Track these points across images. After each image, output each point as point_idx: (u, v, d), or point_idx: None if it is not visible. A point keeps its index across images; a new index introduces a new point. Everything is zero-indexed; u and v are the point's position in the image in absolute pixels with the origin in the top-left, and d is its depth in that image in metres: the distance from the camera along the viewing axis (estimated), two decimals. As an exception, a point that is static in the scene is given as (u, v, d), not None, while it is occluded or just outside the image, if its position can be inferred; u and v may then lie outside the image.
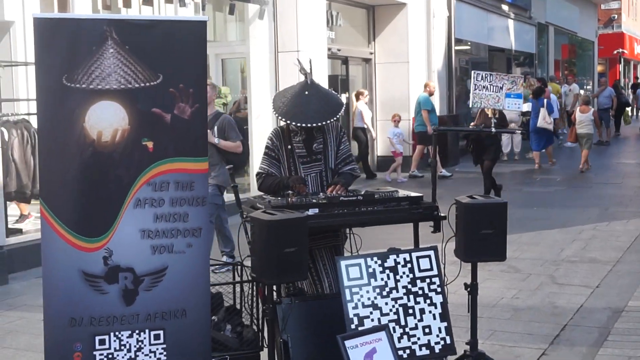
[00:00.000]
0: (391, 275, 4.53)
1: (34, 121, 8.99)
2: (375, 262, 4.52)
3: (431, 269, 4.63)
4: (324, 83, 12.26)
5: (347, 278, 4.43)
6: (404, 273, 4.57)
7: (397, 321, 4.47)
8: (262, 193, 5.04)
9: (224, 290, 4.98)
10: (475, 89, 6.16)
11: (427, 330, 4.53)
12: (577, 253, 8.80)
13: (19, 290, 7.75)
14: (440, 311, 4.58)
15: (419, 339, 4.50)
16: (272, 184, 4.94)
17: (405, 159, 15.82)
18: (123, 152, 4.05)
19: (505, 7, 23.26)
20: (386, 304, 4.48)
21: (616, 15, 41.55)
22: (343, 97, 14.84)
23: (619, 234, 9.82)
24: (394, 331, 4.39)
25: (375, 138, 16.28)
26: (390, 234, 6.81)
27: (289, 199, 4.62)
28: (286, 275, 4.24)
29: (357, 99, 15.91)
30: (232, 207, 8.46)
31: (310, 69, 5.03)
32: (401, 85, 16.95)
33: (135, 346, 4.15)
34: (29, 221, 9.60)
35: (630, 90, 36.69)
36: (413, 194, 4.94)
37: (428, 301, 4.57)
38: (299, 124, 4.82)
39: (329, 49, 14.73)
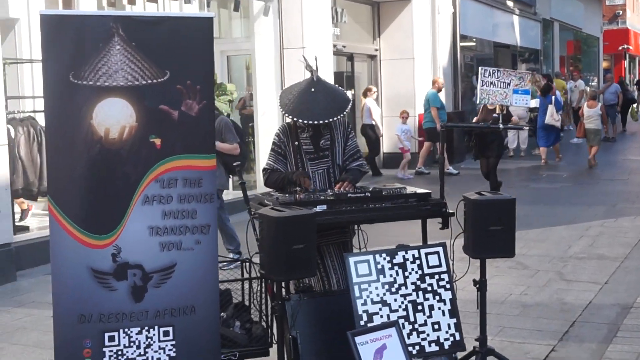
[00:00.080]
0: (400, 271, 4.52)
1: (40, 118, 9.00)
2: (384, 259, 4.51)
3: (440, 266, 4.62)
4: (329, 80, 12.25)
5: (355, 274, 4.42)
6: (412, 269, 4.55)
7: (406, 317, 4.46)
8: (268, 189, 5.04)
9: (233, 287, 4.96)
10: (482, 85, 6.12)
11: (436, 326, 4.52)
12: (584, 249, 8.78)
13: (27, 288, 7.76)
14: (449, 307, 4.56)
15: (428, 335, 4.49)
16: (277, 179, 4.95)
17: (411, 156, 15.79)
18: (131, 149, 4.05)
19: (510, 3, 23.22)
20: (395, 300, 4.47)
21: (621, 11, 41.44)
22: (349, 94, 14.81)
23: (627, 230, 9.79)
24: (403, 327, 4.38)
25: (381, 135, 16.24)
26: (398, 230, 6.80)
27: (297, 195, 4.61)
28: (295, 271, 4.23)
29: (365, 95, 15.89)
30: (240, 204, 8.47)
31: (316, 65, 5.02)
32: (406, 81, 16.93)
33: (144, 343, 4.15)
34: (31, 213, 9.63)
35: (635, 86, 36.61)
36: (421, 191, 4.92)
37: (437, 297, 4.56)
38: (306, 121, 4.81)
39: (334, 46, 14.71)
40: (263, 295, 4.79)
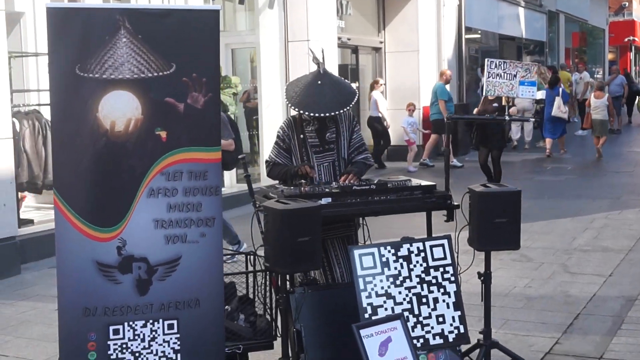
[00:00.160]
0: (405, 264, 4.52)
1: (45, 112, 9.01)
2: (389, 251, 4.51)
3: (445, 258, 4.62)
4: (334, 72, 12.23)
5: (360, 267, 4.42)
6: (417, 262, 4.55)
7: (411, 310, 4.46)
8: (273, 182, 5.04)
9: (237, 280, 4.97)
10: (488, 77, 6.09)
11: (440, 319, 4.52)
12: (589, 242, 8.77)
13: (32, 281, 7.78)
14: (453, 300, 4.56)
15: (432, 328, 4.49)
16: (280, 173, 4.98)
17: (417, 148, 15.78)
18: (136, 142, 4.05)
19: (515, -5, 23.18)
20: (400, 293, 4.47)
21: (627, 3, 41.25)
22: (354, 86, 14.78)
23: (631, 222, 9.77)
24: (408, 320, 4.38)
25: (389, 126, 16.14)
26: (403, 223, 6.80)
27: (302, 188, 4.61)
28: (300, 264, 4.23)
29: (372, 88, 15.88)
30: (244, 197, 8.46)
31: (323, 58, 5.01)
32: (411, 74, 16.89)
33: (149, 336, 4.16)
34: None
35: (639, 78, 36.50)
36: (426, 183, 4.92)
37: (442, 290, 4.56)
38: (312, 114, 4.81)
39: (339, 38, 14.69)
40: (267, 288, 4.79)
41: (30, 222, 9.00)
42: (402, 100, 16.19)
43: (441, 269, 4.59)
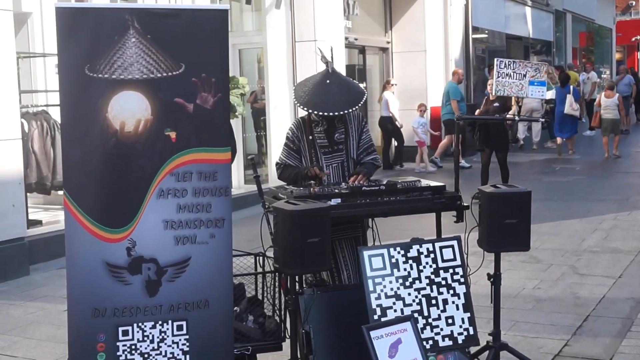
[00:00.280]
0: (414, 265, 4.50)
1: (53, 113, 9.02)
2: (398, 253, 4.49)
3: (454, 259, 4.60)
4: (342, 73, 12.20)
5: (369, 268, 4.40)
6: (427, 263, 4.54)
7: (420, 312, 4.44)
8: (282, 183, 5.04)
9: (246, 281, 4.96)
10: (498, 77, 6.09)
11: (450, 321, 4.50)
12: (598, 243, 8.73)
13: (40, 282, 7.78)
14: (463, 302, 4.54)
15: (442, 329, 4.48)
16: (291, 175, 4.97)
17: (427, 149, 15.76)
18: (146, 143, 4.04)
19: (522, -5, 23.13)
20: (409, 294, 4.45)
21: (634, 2, 41.12)
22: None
23: (641, 223, 9.76)
24: (417, 322, 4.36)
25: (401, 126, 16.05)
26: (413, 224, 6.78)
27: (312, 189, 4.60)
28: (309, 265, 4.22)
29: (384, 88, 15.87)
30: (253, 198, 8.45)
31: (332, 57, 5.00)
32: (418, 74, 16.87)
33: (158, 337, 4.15)
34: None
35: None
36: (435, 184, 4.90)
37: (451, 292, 4.54)
38: (320, 113, 4.79)
39: (346, 39, 14.67)
40: (276, 289, 4.77)
41: (38, 222, 9.01)
42: (409, 101, 16.16)
43: (451, 270, 4.57)
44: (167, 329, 4.16)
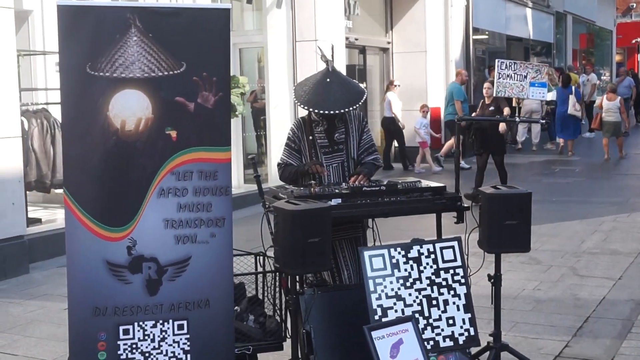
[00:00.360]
0: (415, 266, 4.50)
1: (53, 111, 9.02)
2: (399, 253, 4.49)
3: (455, 260, 4.60)
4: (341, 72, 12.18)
5: (370, 269, 4.40)
6: (427, 264, 4.54)
7: (421, 312, 4.44)
8: (282, 183, 5.03)
9: (246, 281, 4.95)
10: (499, 78, 6.08)
11: (450, 321, 4.50)
12: (598, 245, 8.73)
13: (40, 280, 7.78)
14: (464, 302, 4.55)
15: (442, 330, 4.48)
16: (291, 173, 4.96)
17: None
18: (147, 142, 4.03)
19: (523, -4, 23.13)
20: (410, 294, 4.45)
21: (635, 4, 41.13)
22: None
23: (640, 225, 9.75)
24: (418, 322, 4.36)
25: (403, 127, 16.01)
26: (413, 224, 6.78)
27: (312, 189, 4.60)
28: (310, 265, 4.22)
29: (388, 89, 15.87)
30: (253, 197, 8.44)
31: (332, 55, 4.99)
32: (419, 74, 16.86)
33: (159, 336, 4.14)
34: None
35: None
36: (436, 184, 4.90)
37: (452, 292, 4.54)
38: (321, 111, 4.79)
39: (347, 39, 14.67)
40: (277, 289, 4.77)
41: (38, 221, 9.01)
42: (409, 101, 16.15)
43: (451, 271, 4.57)
44: (168, 328, 4.16)
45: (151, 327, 4.12)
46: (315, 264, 4.24)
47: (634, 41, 39.59)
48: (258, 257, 4.95)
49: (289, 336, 4.62)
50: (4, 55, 7.80)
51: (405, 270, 4.47)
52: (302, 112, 5.07)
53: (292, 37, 13.07)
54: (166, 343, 4.15)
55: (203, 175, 4.14)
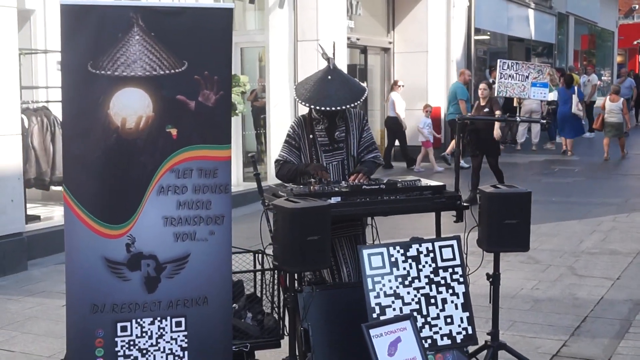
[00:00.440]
0: (413, 264, 4.51)
1: (53, 109, 9.03)
2: (398, 252, 4.50)
3: (454, 259, 4.61)
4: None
5: (369, 267, 4.42)
6: (426, 262, 4.55)
7: (419, 311, 4.45)
8: (279, 181, 5.03)
9: (245, 278, 4.96)
10: (500, 78, 6.08)
11: (449, 320, 4.51)
12: (596, 244, 8.74)
13: (39, 277, 7.79)
14: (462, 301, 4.56)
15: (440, 328, 4.49)
16: (290, 171, 4.94)
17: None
18: (147, 139, 4.04)
19: (525, -3, 23.14)
20: (408, 293, 4.46)
21: (637, 6, 41.12)
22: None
23: (639, 225, 9.74)
24: (416, 321, 4.36)
25: (405, 128, 16.00)
26: (412, 223, 6.79)
27: (311, 187, 4.61)
28: (309, 263, 4.23)
29: (392, 89, 15.88)
30: (252, 195, 8.43)
31: (334, 53, 5.00)
32: (420, 75, 16.87)
33: (156, 333, 4.14)
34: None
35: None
36: (435, 183, 4.91)
37: (450, 291, 4.55)
38: (322, 108, 4.79)
39: (348, 38, 14.68)
40: (275, 286, 4.78)
41: (36, 218, 9.02)
42: (410, 101, 16.16)
43: (450, 270, 4.58)
44: (166, 325, 4.16)
45: (149, 324, 4.12)
46: (315, 262, 4.24)
47: (635, 42, 39.58)
48: (257, 255, 4.96)
49: (286, 334, 4.62)
50: (6, 53, 7.81)
51: (404, 268, 4.49)
52: (303, 111, 5.06)
53: (294, 37, 13.07)
54: (164, 340, 4.15)
55: (203, 173, 4.14)
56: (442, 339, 4.47)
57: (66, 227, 4.06)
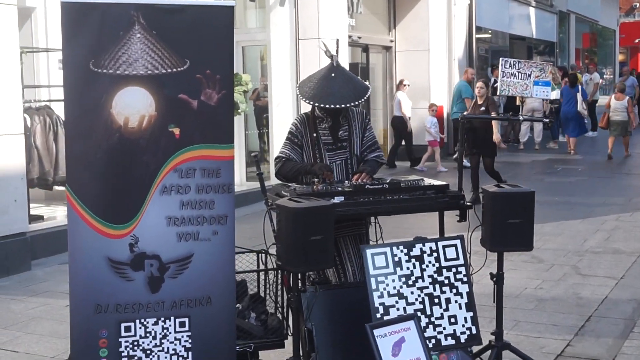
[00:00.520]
0: (417, 264, 4.50)
1: (56, 108, 9.02)
2: (401, 251, 4.49)
3: (457, 259, 4.59)
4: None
5: (372, 267, 4.40)
6: (430, 262, 4.53)
7: (423, 310, 4.43)
8: (279, 179, 5.00)
9: (248, 278, 4.95)
10: (502, 76, 6.06)
11: (452, 320, 4.49)
12: (600, 244, 8.72)
13: (42, 277, 7.78)
14: (466, 301, 4.54)
15: (444, 328, 4.47)
16: (293, 169, 4.90)
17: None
18: (150, 139, 4.02)
19: (526, -5, 23.12)
20: (412, 293, 4.44)
21: (638, 4, 41.09)
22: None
23: (643, 224, 9.74)
24: (420, 320, 4.35)
25: (409, 129, 15.97)
26: (416, 222, 6.77)
27: (315, 186, 4.59)
28: (312, 263, 4.21)
29: (398, 88, 15.87)
30: (254, 195, 8.41)
31: (337, 51, 4.98)
32: (422, 73, 16.85)
33: (160, 333, 4.13)
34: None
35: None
36: (439, 183, 4.89)
37: (454, 291, 4.53)
38: (326, 106, 4.77)
39: (350, 37, 14.66)
40: (279, 286, 4.77)
41: (40, 218, 9.01)
42: (413, 100, 16.11)
43: (454, 270, 4.57)
44: (170, 325, 4.15)
45: (153, 325, 4.11)
46: (318, 262, 4.23)
47: (636, 40, 39.57)
48: (260, 255, 4.95)
49: (290, 334, 4.61)
50: (7, 52, 7.80)
51: (408, 268, 4.47)
52: (305, 110, 5.04)
53: (295, 35, 13.06)
54: (168, 340, 4.14)
55: (206, 172, 4.13)
56: (446, 339, 4.46)
57: (69, 227, 4.05)
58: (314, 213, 4.11)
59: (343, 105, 4.76)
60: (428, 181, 4.91)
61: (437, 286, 4.50)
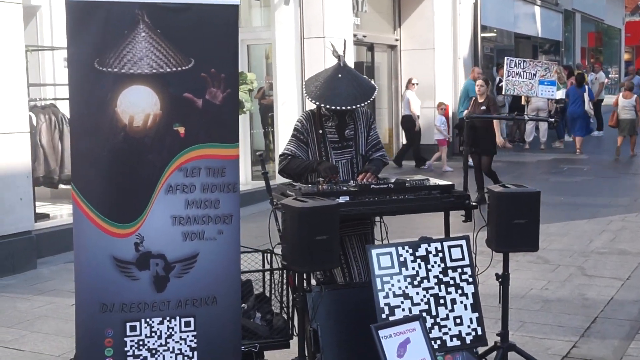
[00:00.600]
0: (422, 264, 4.48)
1: (61, 106, 9.02)
2: (407, 251, 4.47)
3: (463, 259, 4.58)
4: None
5: (378, 267, 4.39)
6: (435, 262, 4.51)
7: (428, 311, 4.42)
8: (283, 176, 4.99)
9: (254, 278, 4.94)
10: (508, 76, 6.04)
11: (458, 320, 4.48)
12: (606, 244, 8.70)
13: (48, 275, 7.78)
14: (471, 301, 4.52)
15: (450, 329, 4.46)
16: (299, 167, 4.88)
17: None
18: (155, 138, 4.02)
19: (532, -6, 23.08)
20: (417, 293, 4.43)
21: (644, 3, 40.99)
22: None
23: (649, 225, 9.71)
24: (425, 321, 4.34)
25: (418, 128, 15.92)
26: (421, 222, 6.74)
27: (320, 186, 4.58)
28: (317, 263, 4.20)
29: (407, 87, 15.87)
30: (260, 194, 8.40)
31: (344, 51, 4.97)
32: (427, 72, 16.82)
33: (165, 333, 4.13)
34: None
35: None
36: (444, 183, 4.88)
37: (459, 291, 4.52)
38: (333, 107, 4.76)
39: (355, 36, 14.65)
40: (284, 286, 4.76)
41: (46, 216, 9.02)
42: (418, 99, 16.10)
43: (459, 270, 4.55)
44: (175, 324, 4.14)
45: (158, 324, 4.11)
46: (323, 262, 4.22)
47: (642, 40, 39.47)
48: (265, 255, 4.94)
49: (296, 334, 4.60)
50: (13, 50, 7.81)
51: (413, 268, 4.46)
52: (311, 107, 5.03)
53: (300, 34, 13.05)
54: (173, 340, 4.14)
55: (211, 171, 4.12)
56: (451, 340, 4.44)
57: (75, 225, 4.04)
58: (319, 213, 4.10)
59: (350, 107, 4.75)
60: (433, 181, 4.89)
61: (442, 287, 4.49)
